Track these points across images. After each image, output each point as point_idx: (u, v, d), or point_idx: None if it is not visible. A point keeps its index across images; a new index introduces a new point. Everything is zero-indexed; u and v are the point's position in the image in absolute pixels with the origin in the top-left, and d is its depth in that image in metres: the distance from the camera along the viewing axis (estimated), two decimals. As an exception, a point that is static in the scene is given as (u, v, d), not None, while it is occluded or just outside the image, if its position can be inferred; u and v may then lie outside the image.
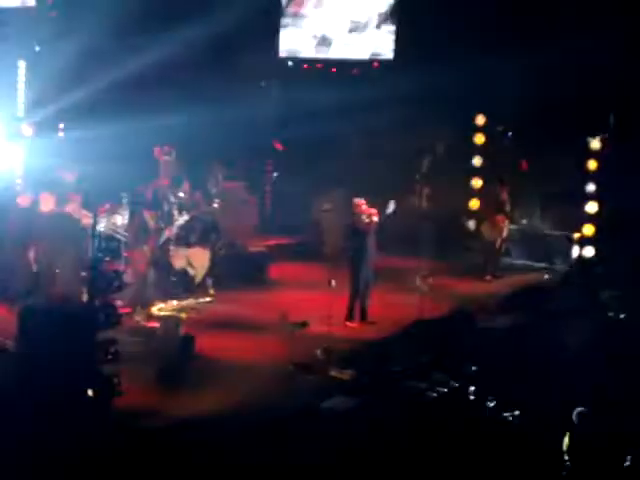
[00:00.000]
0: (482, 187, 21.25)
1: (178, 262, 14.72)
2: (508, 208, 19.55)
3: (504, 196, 19.52)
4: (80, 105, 18.15)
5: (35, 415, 10.29)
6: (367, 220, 15.75)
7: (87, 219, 13.86)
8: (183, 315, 13.74)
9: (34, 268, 14.70)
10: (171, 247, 16.82)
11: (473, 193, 21.43)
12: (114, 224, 15.22)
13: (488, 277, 19.10)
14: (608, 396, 12.35)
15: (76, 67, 17.87)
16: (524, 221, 21.12)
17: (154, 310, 14.16)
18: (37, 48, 18.63)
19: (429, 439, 11.63)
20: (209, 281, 16.52)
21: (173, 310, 13.14)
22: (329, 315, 13.99)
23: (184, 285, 16.08)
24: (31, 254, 14.67)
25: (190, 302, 15.86)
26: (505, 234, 19.49)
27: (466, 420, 12.20)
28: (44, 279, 14.49)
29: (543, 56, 19.66)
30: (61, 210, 14.27)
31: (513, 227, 20.42)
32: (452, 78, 20.18)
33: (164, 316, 13.04)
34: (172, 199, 17.14)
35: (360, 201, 15.93)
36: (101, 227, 14.40)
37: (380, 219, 15.76)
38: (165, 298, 15.27)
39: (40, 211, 14.56)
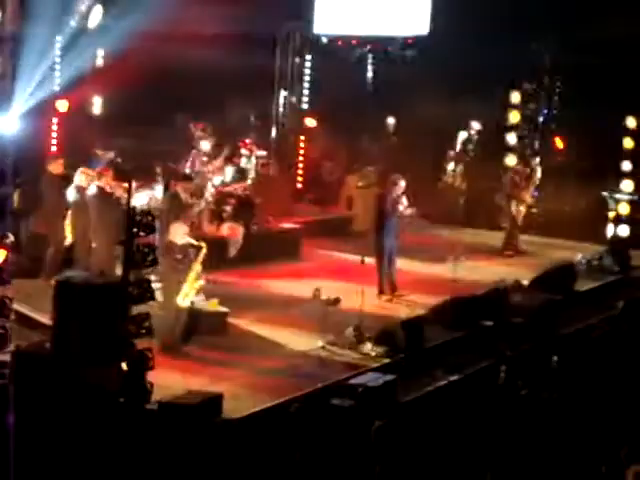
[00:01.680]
0: (516, 164, 21.12)
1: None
2: (533, 184, 19.52)
3: (527, 172, 19.49)
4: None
5: (71, 388, 10.39)
6: (396, 200, 15.80)
7: (121, 190, 13.91)
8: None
9: (69, 241, 14.79)
10: (205, 222, 16.93)
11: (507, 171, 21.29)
12: (149, 198, 15.28)
13: (509, 252, 19.06)
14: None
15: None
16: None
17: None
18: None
19: (459, 417, 11.67)
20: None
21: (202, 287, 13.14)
22: (362, 291, 13.99)
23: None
24: (66, 227, 14.75)
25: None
26: (525, 210, 19.48)
27: (497, 400, 12.22)
28: (79, 253, 14.59)
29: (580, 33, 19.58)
30: (96, 185, 14.31)
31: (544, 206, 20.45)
32: (488, 54, 20.08)
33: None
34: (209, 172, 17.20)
35: (399, 180, 15.94)
36: (136, 201, 14.48)
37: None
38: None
39: (75, 185, 14.61)
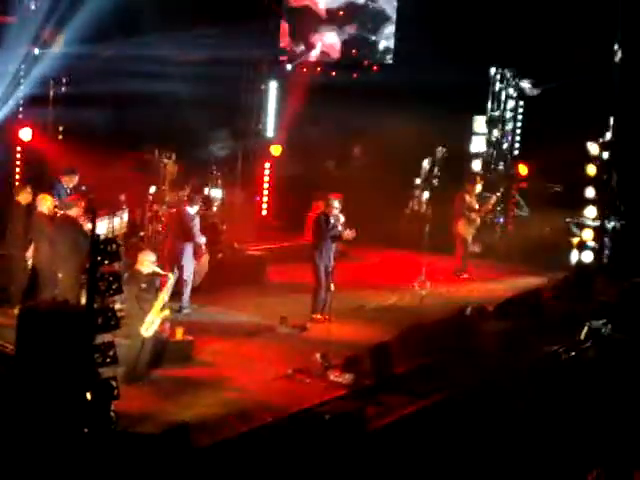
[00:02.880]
0: (481, 191, 21.21)
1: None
2: (477, 206, 19.73)
3: (473, 196, 19.71)
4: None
5: (34, 417, 10.25)
6: (336, 221, 15.82)
7: (87, 222, 13.80)
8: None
9: (32, 270, 14.64)
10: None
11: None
12: (113, 227, 15.17)
13: (465, 275, 19.08)
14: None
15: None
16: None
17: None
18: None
19: (431, 444, 11.64)
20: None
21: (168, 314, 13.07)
22: (329, 318, 13.96)
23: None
24: (30, 255, 14.60)
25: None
26: (474, 232, 19.59)
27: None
28: (43, 281, 14.44)
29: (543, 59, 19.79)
30: (65, 214, 14.17)
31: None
32: (452, 81, 20.24)
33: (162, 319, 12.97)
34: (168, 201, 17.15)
35: (335, 200, 15.91)
36: (99, 229, 14.37)
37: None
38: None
39: (41, 212, 14.46)
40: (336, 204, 15.97)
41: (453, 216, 19.78)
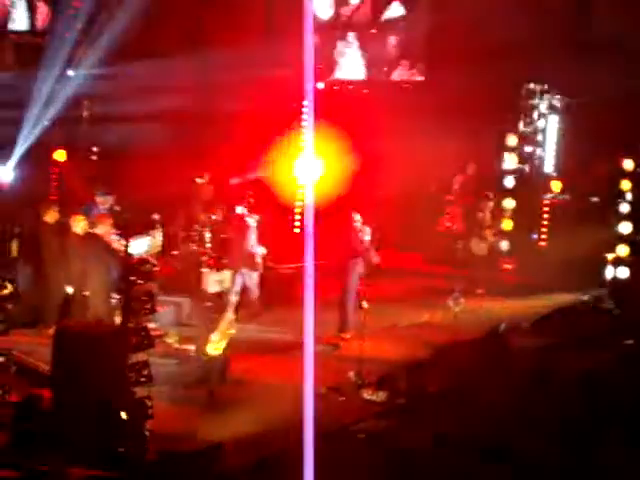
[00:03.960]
0: (515, 207, 21.14)
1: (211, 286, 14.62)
2: (495, 222, 19.77)
3: (489, 211, 19.66)
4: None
5: (69, 437, 10.30)
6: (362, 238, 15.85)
7: (118, 241, 13.89)
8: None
9: (67, 290, 14.73)
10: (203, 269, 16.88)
11: (506, 213, 21.28)
12: (147, 245, 15.26)
13: (480, 290, 18.98)
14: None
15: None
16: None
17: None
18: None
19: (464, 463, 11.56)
20: None
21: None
22: (361, 336, 13.92)
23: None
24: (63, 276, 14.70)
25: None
26: (489, 248, 19.49)
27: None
28: (77, 301, 14.52)
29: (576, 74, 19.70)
30: (92, 232, 14.28)
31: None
32: (483, 97, 20.21)
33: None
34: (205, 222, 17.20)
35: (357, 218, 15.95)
36: (134, 249, 14.44)
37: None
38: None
39: (74, 233, 14.58)
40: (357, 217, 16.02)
41: (467, 234, 19.81)
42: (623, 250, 19.69)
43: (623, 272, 19.61)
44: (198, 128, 19.52)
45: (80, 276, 14.40)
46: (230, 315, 12.85)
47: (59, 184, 18.23)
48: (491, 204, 19.91)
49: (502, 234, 20.62)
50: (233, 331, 13.02)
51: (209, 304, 12.79)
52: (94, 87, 19.16)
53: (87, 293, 14.06)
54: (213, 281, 12.93)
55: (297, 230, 21.60)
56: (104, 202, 15.45)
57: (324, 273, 16.47)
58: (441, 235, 21.86)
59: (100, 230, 14.21)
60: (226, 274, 14.27)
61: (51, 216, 14.96)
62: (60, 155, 18.68)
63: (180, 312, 15.99)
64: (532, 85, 21.37)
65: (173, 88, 18.81)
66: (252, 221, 16.23)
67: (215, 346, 12.67)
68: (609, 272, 19.65)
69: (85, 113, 19.47)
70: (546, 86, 21.47)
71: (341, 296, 15.80)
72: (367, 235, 16.04)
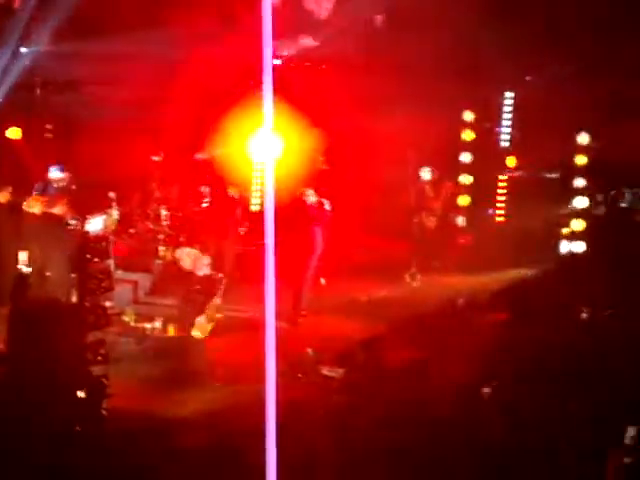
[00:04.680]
0: (472, 183, 21.19)
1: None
2: (444, 197, 19.79)
3: (433, 183, 19.76)
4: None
5: (25, 417, 10.24)
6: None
7: (75, 220, 13.79)
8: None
9: (24, 270, 14.60)
10: (160, 247, 16.84)
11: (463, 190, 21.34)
12: (103, 224, 15.16)
13: (435, 265, 18.99)
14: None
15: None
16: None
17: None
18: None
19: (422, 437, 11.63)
20: None
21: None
22: (319, 313, 13.98)
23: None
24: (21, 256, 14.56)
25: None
26: (437, 223, 19.61)
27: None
28: (33, 281, 14.40)
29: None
30: (49, 212, 14.14)
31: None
32: (439, 73, 20.22)
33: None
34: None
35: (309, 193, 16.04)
36: (90, 227, 14.35)
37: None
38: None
39: (30, 213, 14.42)
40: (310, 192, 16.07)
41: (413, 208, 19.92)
42: (578, 224, 19.84)
43: (578, 246, 19.77)
44: (153, 105, 19.35)
45: (37, 255, 14.28)
46: (218, 300, 12.81)
47: (11, 163, 18.01)
48: (435, 176, 19.90)
49: (457, 209, 20.69)
50: (219, 315, 13.01)
51: (197, 287, 12.73)
52: (48, 64, 18.93)
53: (48, 273, 13.95)
54: (202, 264, 12.86)
55: (256, 208, 21.60)
56: (59, 181, 15.28)
57: (283, 251, 16.59)
58: (397, 210, 21.91)
59: (57, 210, 14.08)
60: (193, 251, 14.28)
61: (2, 196, 14.78)
62: (13, 133, 18.46)
63: (137, 290, 15.92)
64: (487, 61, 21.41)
65: (127, 65, 18.62)
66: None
67: (201, 329, 12.63)
68: (564, 246, 19.80)
69: (38, 91, 19.23)
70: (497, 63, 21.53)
71: (299, 273, 15.82)
72: (326, 206, 16.11)
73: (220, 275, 13.07)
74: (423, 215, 19.36)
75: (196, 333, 12.58)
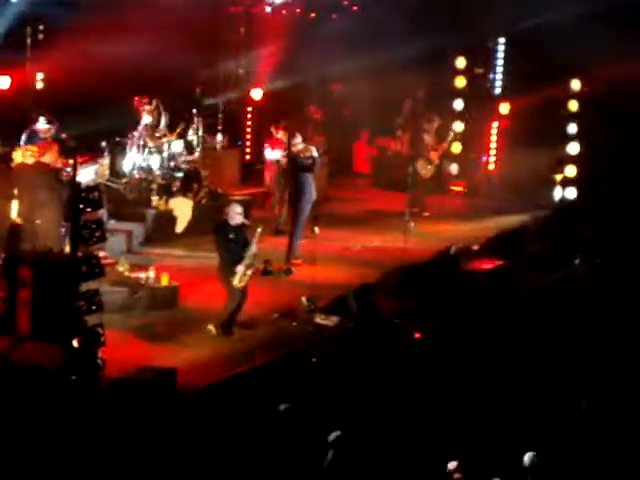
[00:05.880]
0: (464, 130, 21.15)
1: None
2: (440, 144, 19.72)
3: (433, 133, 19.63)
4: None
5: (20, 365, 10.29)
6: (308, 157, 15.83)
7: (67, 166, 13.74)
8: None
9: (15, 220, 14.56)
10: (153, 197, 16.82)
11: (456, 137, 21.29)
12: (95, 173, 15.11)
13: (427, 213, 19.03)
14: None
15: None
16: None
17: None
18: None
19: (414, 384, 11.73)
20: None
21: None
22: (313, 261, 13.99)
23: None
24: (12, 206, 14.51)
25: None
26: (434, 169, 19.55)
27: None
28: (26, 231, 14.36)
29: None
30: (40, 161, 14.08)
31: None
32: (431, 20, 20.11)
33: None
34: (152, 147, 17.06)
35: (297, 141, 16.06)
36: (82, 177, 14.28)
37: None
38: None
39: (20, 164, 14.35)
40: (297, 140, 16.05)
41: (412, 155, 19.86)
42: (571, 170, 19.84)
43: (571, 193, 19.79)
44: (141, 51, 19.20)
45: (29, 205, 14.23)
46: (254, 248, 12.79)
47: (2, 114, 17.87)
48: (435, 125, 19.83)
49: (450, 157, 20.67)
50: (256, 265, 13.04)
51: (231, 236, 12.70)
52: (38, 11, 18.71)
53: (38, 222, 13.90)
54: (235, 213, 12.84)
55: (247, 157, 21.57)
56: (46, 131, 15.15)
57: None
58: (390, 158, 21.91)
59: (47, 158, 14.02)
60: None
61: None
62: (3, 82, 18.29)
63: (131, 240, 15.92)
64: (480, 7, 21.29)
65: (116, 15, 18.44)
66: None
67: (240, 278, 12.63)
68: (557, 193, 19.82)
69: (29, 39, 19.03)
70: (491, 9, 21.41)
71: (291, 223, 15.84)
72: (314, 153, 16.09)
73: (254, 223, 13.11)
74: (419, 163, 19.32)
75: (236, 282, 12.59)
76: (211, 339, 12.52)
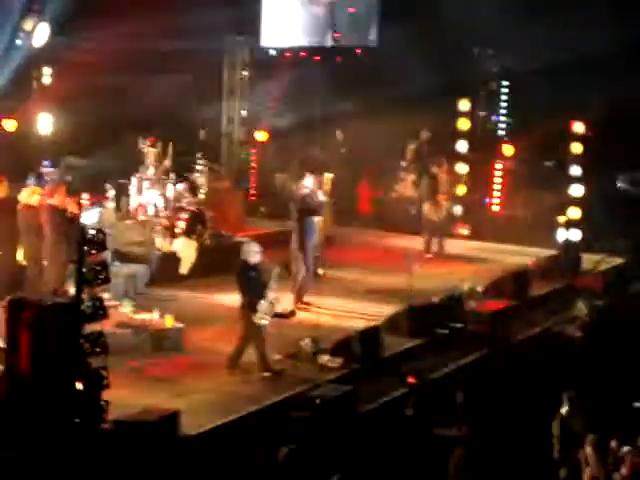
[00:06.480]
0: (468, 172, 21.23)
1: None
2: (449, 187, 19.74)
3: (444, 176, 19.65)
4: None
5: (25, 408, 10.25)
6: (315, 200, 15.94)
7: (74, 208, 13.78)
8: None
9: (22, 262, 14.61)
10: (157, 238, 16.86)
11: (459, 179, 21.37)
12: (100, 216, 15.17)
13: (429, 255, 19.02)
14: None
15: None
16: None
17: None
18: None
19: (419, 424, 11.68)
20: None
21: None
22: (317, 303, 14.00)
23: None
24: (18, 248, 14.56)
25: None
26: (445, 213, 19.55)
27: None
28: (31, 272, 14.41)
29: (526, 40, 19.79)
30: (48, 203, 14.15)
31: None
32: (435, 64, 20.27)
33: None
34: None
35: (305, 184, 16.10)
36: (86, 219, 14.35)
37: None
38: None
39: (27, 205, 14.41)
40: (308, 182, 16.03)
41: (420, 199, 19.90)
42: (574, 212, 19.86)
43: (575, 234, 19.78)
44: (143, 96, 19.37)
45: (35, 248, 14.29)
46: (274, 285, 12.84)
47: (9, 157, 17.99)
48: (445, 169, 19.91)
49: (455, 198, 20.72)
50: (277, 302, 13.11)
51: (252, 274, 12.75)
52: (45, 55, 18.90)
53: (45, 263, 13.94)
54: (253, 252, 12.87)
55: (252, 198, 21.64)
56: (52, 173, 15.27)
57: (280, 241, 16.66)
58: (394, 201, 21.98)
59: (55, 200, 14.09)
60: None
61: (0, 190, 14.75)
62: (10, 125, 18.44)
63: (135, 281, 15.94)
64: (482, 49, 21.47)
65: (120, 57, 18.61)
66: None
67: (264, 315, 12.67)
68: (561, 235, 19.82)
69: (35, 83, 19.20)
70: (493, 51, 21.59)
71: (296, 264, 15.83)
72: (321, 196, 16.16)
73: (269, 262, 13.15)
74: (428, 207, 19.37)
75: (260, 319, 12.61)
76: (215, 381, 12.48)
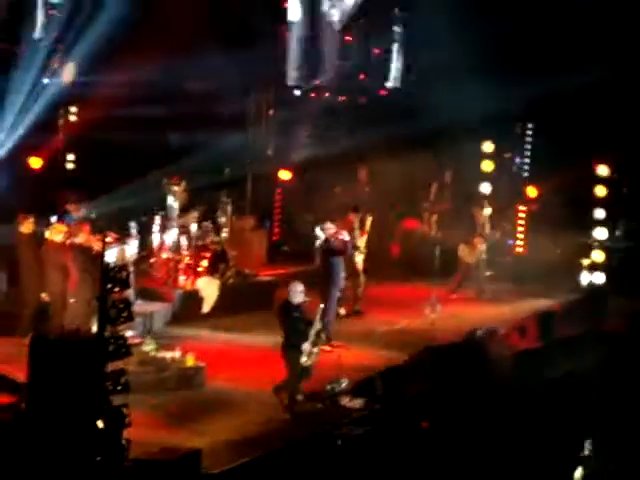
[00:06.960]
0: (491, 214, 21.20)
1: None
2: (484, 229, 19.63)
3: (480, 218, 19.54)
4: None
5: (47, 447, 10.24)
6: (341, 241, 15.92)
7: (98, 246, 13.85)
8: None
9: (45, 298, 14.68)
10: (180, 277, 16.90)
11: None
12: (123, 254, 15.21)
13: (454, 296, 18.92)
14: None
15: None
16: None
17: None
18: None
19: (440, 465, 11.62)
20: None
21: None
22: (338, 344, 13.96)
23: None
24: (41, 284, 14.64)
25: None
26: (481, 255, 19.45)
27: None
28: (55, 309, 14.47)
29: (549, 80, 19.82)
30: (73, 241, 14.26)
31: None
32: (458, 105, 20.31)
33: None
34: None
35: (329, 226, 16.07)
36: (111, 257, 14.39)
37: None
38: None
39: (52, 241, 14.51)
40: (329, 225, 16.06)
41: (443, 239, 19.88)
42: (598, 256, 19.79)
43: (599, 278, 19.71)
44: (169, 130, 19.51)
45: (59, 285, 14.36)
46: (318, 325, 12.87)
47: (34, 193, 18.12)
48: (487, 213, 19.77)
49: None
50: (323, 339, 13.12)
51: (296, 314, 12.79)
52: (69, 94, 19.09)
53: (72, 301, 14.02)
54: (297, 292, 12.92)
55: (275, 237, 21.67)
56: (77, 210, 15.38)
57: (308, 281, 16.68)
58: (417, 240, 21.93)
59: (80, 238, 14.20)
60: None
61: (27, 227, 14.87)
62: (36, 162, 18.59)
63: (158, 319, 15.98)
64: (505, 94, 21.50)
65: (146, 95, 18.77)
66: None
67: (308, 355, 12.70)
68: (584, 278, 19.74)
69: (61, 121, 19.37)
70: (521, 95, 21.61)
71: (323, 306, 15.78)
72: (346, 236, 16.15)
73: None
74: (462, 249, 19.31)
75: (305, 360, 12.63)
76: (236, 420, 12.46)
